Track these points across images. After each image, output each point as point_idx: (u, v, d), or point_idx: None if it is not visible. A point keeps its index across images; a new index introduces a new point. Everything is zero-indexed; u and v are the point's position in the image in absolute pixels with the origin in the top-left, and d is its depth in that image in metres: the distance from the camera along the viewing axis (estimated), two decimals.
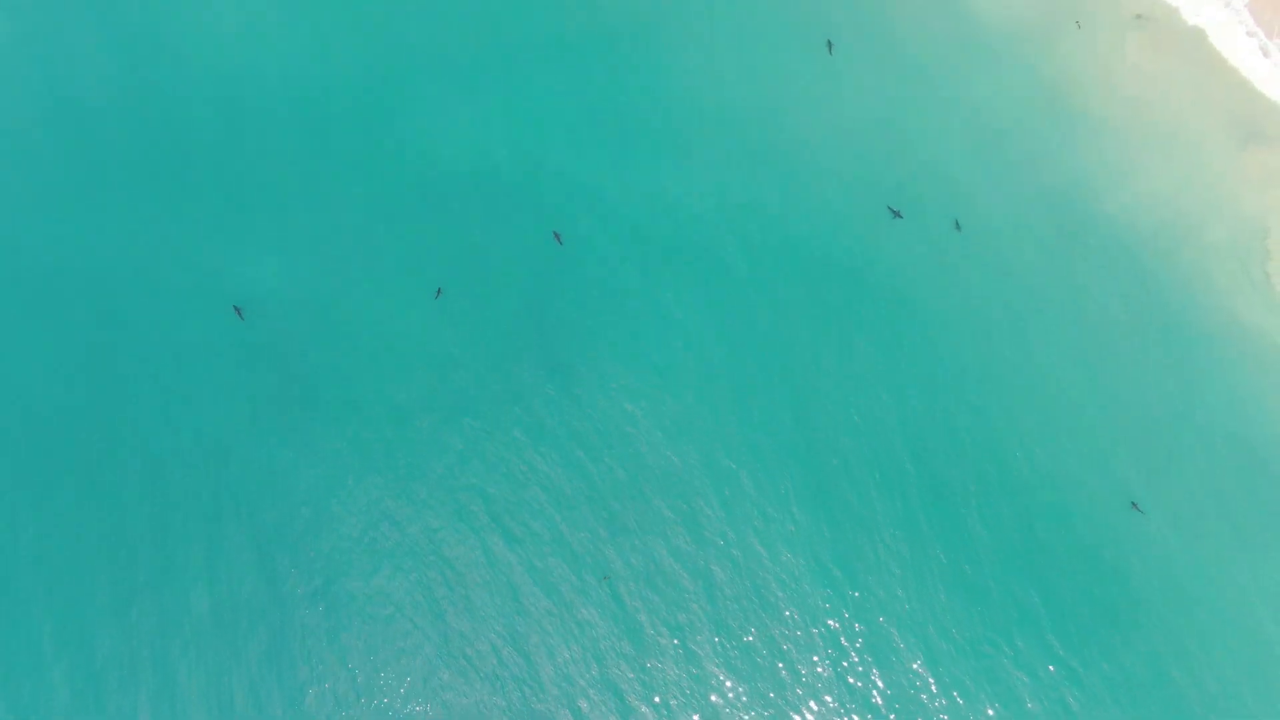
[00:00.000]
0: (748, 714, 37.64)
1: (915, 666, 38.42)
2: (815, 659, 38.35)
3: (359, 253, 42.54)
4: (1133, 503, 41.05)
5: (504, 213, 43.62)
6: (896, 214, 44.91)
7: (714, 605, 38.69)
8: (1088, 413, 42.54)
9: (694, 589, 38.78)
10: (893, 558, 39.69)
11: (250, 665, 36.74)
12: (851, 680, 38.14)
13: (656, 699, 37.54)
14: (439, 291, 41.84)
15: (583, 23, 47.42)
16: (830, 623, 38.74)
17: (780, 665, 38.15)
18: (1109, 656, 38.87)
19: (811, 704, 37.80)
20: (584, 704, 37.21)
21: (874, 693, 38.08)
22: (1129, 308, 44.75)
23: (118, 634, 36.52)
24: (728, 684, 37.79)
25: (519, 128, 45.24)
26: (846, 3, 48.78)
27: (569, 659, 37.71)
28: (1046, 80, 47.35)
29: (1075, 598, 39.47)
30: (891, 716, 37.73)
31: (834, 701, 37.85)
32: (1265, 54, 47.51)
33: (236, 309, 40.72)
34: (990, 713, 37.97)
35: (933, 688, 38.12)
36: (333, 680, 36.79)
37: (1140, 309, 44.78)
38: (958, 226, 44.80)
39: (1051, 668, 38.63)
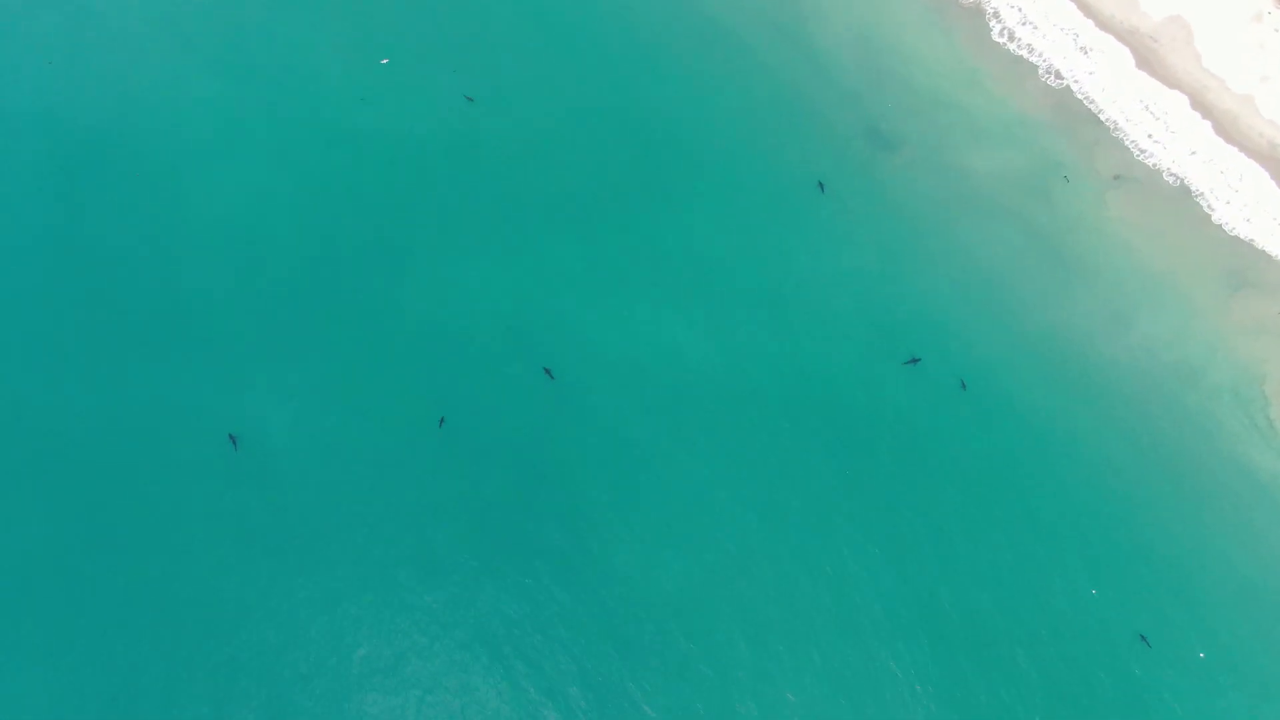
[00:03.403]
0: None
1: None
2: None
3: (359, 390, 42.66)
4: (1141, 635, 40.13)
5: (502, 354, 44.01)
6: (915, 361, 44.96)
7: None
8: (1100, 554, 41.93)
9: None
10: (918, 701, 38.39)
11: None
12: None
13: None
14: (442, 421, 41.35)
15: (583, 179, 49.29)
16: None
17: None
18: None
19: None
20: None
21: None
22: (1139, 453, 44.48)
23: None
24: None
25: (523, 276, 46.31)
26: (838, 158, 50.77)
27: None
28: (1038, 229, 48.71)
29: None
30: None
31: None
32: (1246, 206, 49.25)
33: (231, 437, 39.98)
34: None
35: None
36: None
37: (1150, 454, 44.50)
38: (963, 386, 44.78)
39: None
